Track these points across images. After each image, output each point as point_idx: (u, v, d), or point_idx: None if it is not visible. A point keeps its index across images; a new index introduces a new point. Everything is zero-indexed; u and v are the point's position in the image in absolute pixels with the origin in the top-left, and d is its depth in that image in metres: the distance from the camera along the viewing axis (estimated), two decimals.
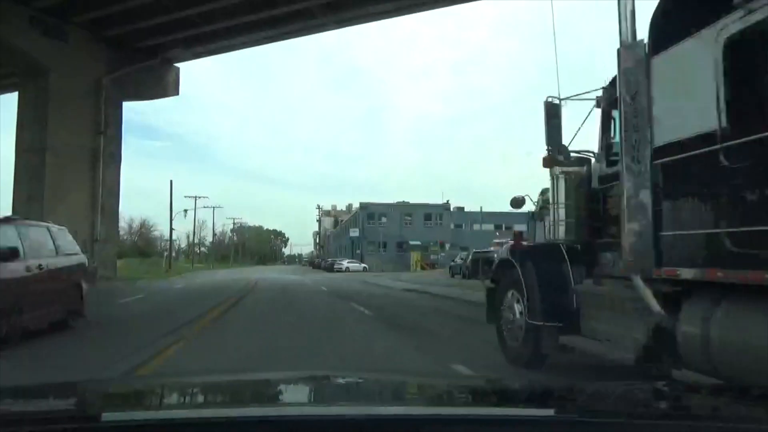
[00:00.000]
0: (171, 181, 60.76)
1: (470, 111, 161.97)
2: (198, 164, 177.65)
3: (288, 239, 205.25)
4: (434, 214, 64.27)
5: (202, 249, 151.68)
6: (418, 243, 60.38)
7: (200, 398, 1.79)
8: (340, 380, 2.11)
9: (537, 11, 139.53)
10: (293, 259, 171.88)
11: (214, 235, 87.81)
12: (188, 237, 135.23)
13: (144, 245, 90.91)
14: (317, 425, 1.19)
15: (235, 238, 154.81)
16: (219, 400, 1.77)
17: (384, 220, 63.12)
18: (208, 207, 75.00)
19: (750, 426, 1.26)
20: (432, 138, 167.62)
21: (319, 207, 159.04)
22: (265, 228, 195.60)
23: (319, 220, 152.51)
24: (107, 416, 1.32)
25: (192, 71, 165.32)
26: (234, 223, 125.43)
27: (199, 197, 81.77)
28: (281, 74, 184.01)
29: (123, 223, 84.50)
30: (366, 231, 62.58)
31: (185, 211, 63.91)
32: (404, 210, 63.25)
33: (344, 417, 1.25)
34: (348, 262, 54.83)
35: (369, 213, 63.41)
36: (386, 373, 3.32)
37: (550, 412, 1.44)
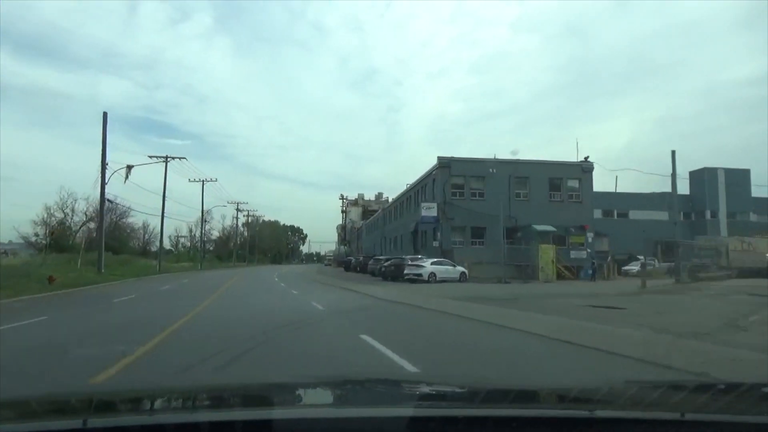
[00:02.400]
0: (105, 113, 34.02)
1: (488, 110, 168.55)
2: (216, 162, 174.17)
3: (306, 236, 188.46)
4: (564, 180, 37.31)
5: (207, 245, 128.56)
6: (550, 229, 33.75)
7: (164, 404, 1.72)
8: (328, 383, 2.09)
9: (556, 10, 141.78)
10: (311, 258, 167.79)
11: (203, 218, 61.59)
12: (191, 230, 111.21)
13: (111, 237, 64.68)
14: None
15: (246, 233, 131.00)
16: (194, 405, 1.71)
17: (476, 189, 36.23)
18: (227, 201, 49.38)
19: (747, 418, 1.27)
20: (449, 137, 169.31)
21: (343, 197, 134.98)
22: (281, 224, 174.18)
23: (344, 211, 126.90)
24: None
25: (211, 73, 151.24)
26: (246, 214, 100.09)
27: (207, 180, 56.76)
28: (298, 75, 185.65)
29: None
30: (448, 208, 35.81)
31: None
32: (513, 170, 36.41)
33: (336, 418, 1.27)
34: (433, 264, 28.29)
35: (453, 176, 36.68)
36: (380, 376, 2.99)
37: (546, 411, 1.40)
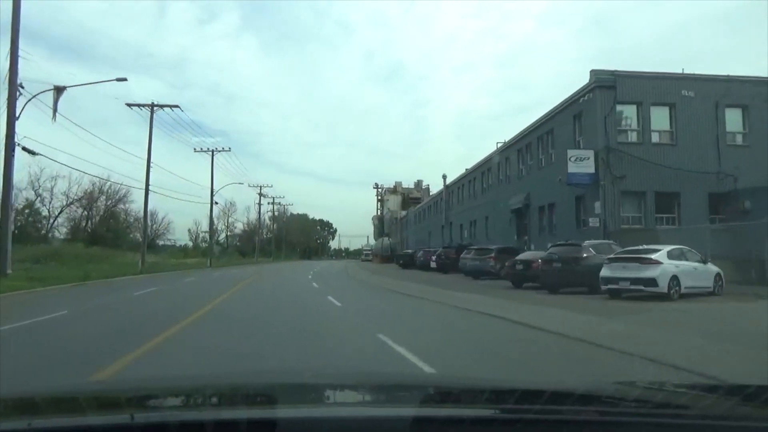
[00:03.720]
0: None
1: (514, 104, 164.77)
2: (243, 159, 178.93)
3: (335, 230, 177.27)
4: None
5: (231, 240, 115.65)
6: None
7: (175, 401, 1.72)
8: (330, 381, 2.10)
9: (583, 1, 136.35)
10: (340, 254, 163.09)
11: (212, 198, 47.24)
12: (217, 219, 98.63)
13: (104, 227, 51.48)
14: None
15: (274, 226, 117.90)
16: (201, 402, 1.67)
17: (660, 129, 20.55)
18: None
19: (747, 423, 1.25)
20: (475, 132, 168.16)
21: (377, 186, 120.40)
22: (311, 217, 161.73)
23: (381, 199, 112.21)
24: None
25: (239, 72, 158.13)
26: (271, 202, 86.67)
27: (218, 149, 42.91)
28: (324, 72, 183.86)
29: None
30: (615, 159, 20.44)
31: None
32: (725, 92, 20.79)
33: (337, 418, 1.25)
34: (670, 258, 12.82)
35: (621, 105, 21.23)
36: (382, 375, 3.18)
37: (547, 411, 1.38)
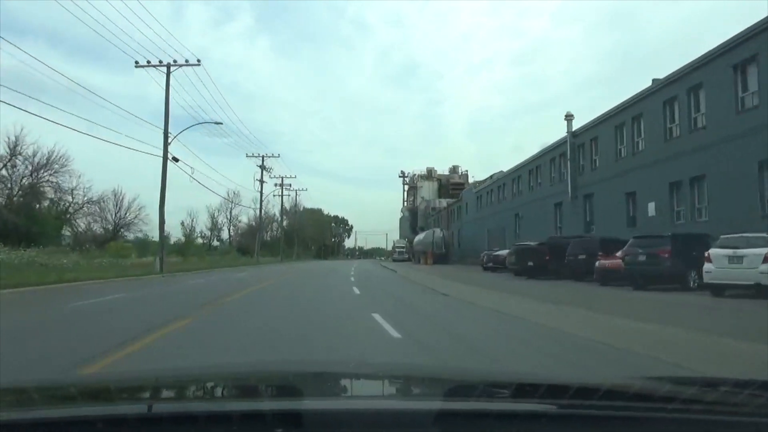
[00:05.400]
0: None
1: (530, 102, 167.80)
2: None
3: (352, 227, 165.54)
4: None
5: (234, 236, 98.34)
6: None
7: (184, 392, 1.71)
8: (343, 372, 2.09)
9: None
10: (353, 253, 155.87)
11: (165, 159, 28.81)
12: (213, 216, 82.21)
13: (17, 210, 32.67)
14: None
15: (282, 219, 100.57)
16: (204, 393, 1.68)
17: None
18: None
19: (749, 419, 1.24)
20: (491, 130, 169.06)
21: (403, 174, 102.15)
22: (325, 213, 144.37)
23: (413, 186, 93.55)
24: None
25: (257, 72, 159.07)
26: (281, 187, 69.15)
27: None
28: (340, 71, 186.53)
29: None
30: None
31: None
32: None
33: (349, 410, 1.25)
34: None
35: None
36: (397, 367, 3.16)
37: (556, 407, 1.33)
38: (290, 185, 74.16)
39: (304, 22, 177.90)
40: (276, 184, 61.95)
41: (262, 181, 48.56)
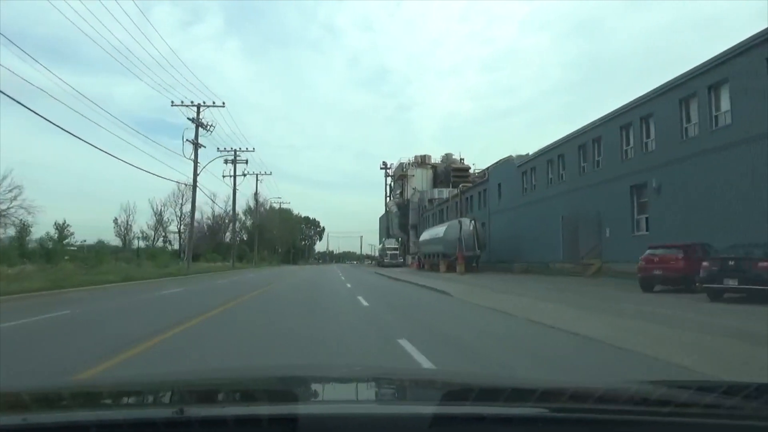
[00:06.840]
0: None
1: (499, 108, 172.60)
2: (229, 163, 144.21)
3: (323, 229, 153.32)
4: None
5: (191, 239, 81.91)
6: None
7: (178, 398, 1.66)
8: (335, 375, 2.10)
9: (567, 7, 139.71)
10: (324, 257, 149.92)
11: None
12: (159, 211, 66.99)
13: None
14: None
15: (247, 221, 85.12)
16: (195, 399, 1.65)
17: None
18: None
19: (746, 423, 1.22)
20: (461, 135, 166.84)
21: (385, 165, 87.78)
22: (295, 213, 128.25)
23: (402, 176, 78.78)
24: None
25: (224, 75, 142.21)
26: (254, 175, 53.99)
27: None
28: (310, 76, 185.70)
29: None
30: None
31: None
32: None
33: (342, 415, 1.22)
34: None
35: None
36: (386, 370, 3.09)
37: (555, 411, 1.33)
38: (254, 172, 58.37)
39: (272, 26, 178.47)
40: (225, 161, 46.43)
41: (196, 144, 32.39)
